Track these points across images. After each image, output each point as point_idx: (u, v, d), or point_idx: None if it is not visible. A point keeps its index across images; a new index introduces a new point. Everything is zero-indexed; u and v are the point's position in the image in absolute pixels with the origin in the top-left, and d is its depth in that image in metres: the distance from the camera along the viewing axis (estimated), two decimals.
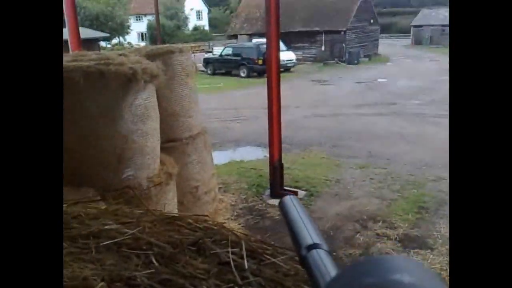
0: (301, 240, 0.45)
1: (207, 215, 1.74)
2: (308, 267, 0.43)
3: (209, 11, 47.04)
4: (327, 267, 0.41)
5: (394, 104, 11.56)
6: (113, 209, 1.74)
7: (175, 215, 1.66)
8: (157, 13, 17.15)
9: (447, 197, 5.09)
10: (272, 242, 1.40)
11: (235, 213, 4.62)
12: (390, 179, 5.75)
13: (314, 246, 0.44)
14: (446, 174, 5.82)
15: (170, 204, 3.46)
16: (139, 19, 40.54)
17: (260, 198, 5.04)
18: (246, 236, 1.39)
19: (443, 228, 4.38)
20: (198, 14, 44.39)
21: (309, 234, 0.46)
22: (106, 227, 1.44)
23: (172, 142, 4.12)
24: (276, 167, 5.11)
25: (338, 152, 7.12)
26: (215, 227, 1.46)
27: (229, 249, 1.24)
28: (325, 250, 0.44)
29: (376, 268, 0.30)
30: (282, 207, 0.53)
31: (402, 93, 13.12)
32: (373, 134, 8.32)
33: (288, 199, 0.53)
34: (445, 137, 7.70)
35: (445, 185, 5.45)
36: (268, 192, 5.13)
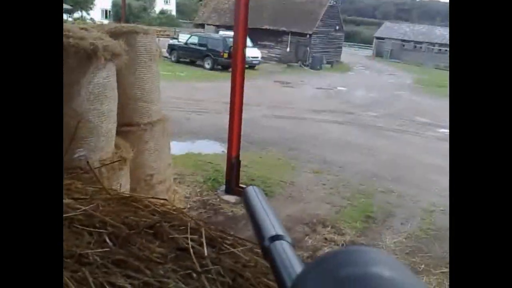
0: (264, 231, 0.44)
1: (165, 199, 1.68)
2: (271, 258, 0.41)
3: None
4: (291, 259, 0.40)
5: (351, 113, 11.89)
6: (65, 183, 1.64)
7: (132, 195, 1.60)
8: None
9: (394, 209, 5.32)
10: (232, 233, 1.38)
11: (188, 206, 4.58)
12: (341, 187, 5.92)
13: (278, 237, 0.42)
14: (394, 186, 6.08)
15: (122, 189, 3.37)
16: None
17: (215, 193, 5.02)
18: (205, 225, 1.35)
19: (388, 238, 4.56)
20: None
21: (272, 225, 0.44)
22: None
23: (129, 126, 4.00)
24: (233, 164, 5.10)
25: (294, 155, 7.23)
26: (174, 212, 1.41)
27: (188, 235, 1.21)
28: (288, 242, 0.42)
29: (352, 260, 0.28)
30: (245, 196, 0.52)
31: (360, 104, 13.53)
32: (328, 141, 8.52)
33: (251, 189, 0.52)
34: (395, 151, 8.07)
35: (393, 198, 5.70)
36: (223, 187, 5.13)
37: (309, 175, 6.25)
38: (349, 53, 31.55)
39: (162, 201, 1.50)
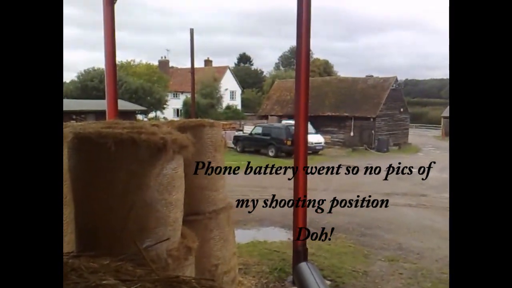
0: None
1: (213, 279, 1.62)
2: None
3: (242, 92, 49.19)
4: None
5: (425, 196, 11.23)
6: (115, 265, 1.70)
7: (179, 276, 1.57)
8: (193, 91, 18.08)
9: None
10: None
11: None
12: (420, 276, 5.35)
13: None
14: None
15: None
16: (176, 96, 42.76)
17: (282, 284, 4.72)
18: None
19: None
20: (232, 94, 46.44)
21: None
22: (103, 282, 1.40)
23: (195, 215, 4.04)
24: (300, 252, 4.85)
25: (366, 242, 6.79)
26: None
27: None
28: None
29: None
30: (298, 274, 0.44)
31: (433, 185, 12.78)
32: (403, 226, 7.97)
33: (305, 266, 0.45)
34: None
35: None
36: (290, 278, 4.83)
37: (383, 263, 5.76)
38: (417, 134, 30.79)
39: (209, 282, 1.51)
